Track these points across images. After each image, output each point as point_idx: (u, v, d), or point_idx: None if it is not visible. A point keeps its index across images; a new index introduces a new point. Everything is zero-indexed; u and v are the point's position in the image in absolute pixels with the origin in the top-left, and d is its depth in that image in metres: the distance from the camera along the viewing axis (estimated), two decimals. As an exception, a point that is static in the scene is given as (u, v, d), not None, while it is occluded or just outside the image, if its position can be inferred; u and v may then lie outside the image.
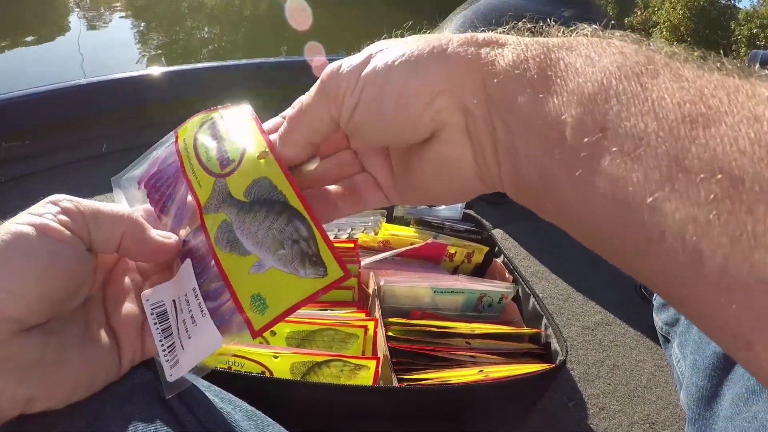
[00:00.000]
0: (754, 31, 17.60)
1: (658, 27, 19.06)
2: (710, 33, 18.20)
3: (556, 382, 1.01)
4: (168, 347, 0.37)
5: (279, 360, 0.70)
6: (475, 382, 0.73)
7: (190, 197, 0.41)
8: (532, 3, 1.68)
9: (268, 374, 0.70)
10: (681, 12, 18.49)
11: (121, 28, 10.95)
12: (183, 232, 0.42)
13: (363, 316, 0.81)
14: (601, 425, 0.96)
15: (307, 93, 0.38)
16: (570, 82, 0.29)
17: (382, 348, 0.76)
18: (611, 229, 0.27)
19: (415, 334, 0.81)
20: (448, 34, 0.35)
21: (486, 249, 1.11)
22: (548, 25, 0.36)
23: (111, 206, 0.37)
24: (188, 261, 0.39)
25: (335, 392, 0.67)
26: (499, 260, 1.08)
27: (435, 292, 0.91)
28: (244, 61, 2.13)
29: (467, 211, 1.18)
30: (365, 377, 0.71)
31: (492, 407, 0.77)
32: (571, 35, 0.34)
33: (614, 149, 0.26)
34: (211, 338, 0.36)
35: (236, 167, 0.39)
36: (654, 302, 1.20)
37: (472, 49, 0.33)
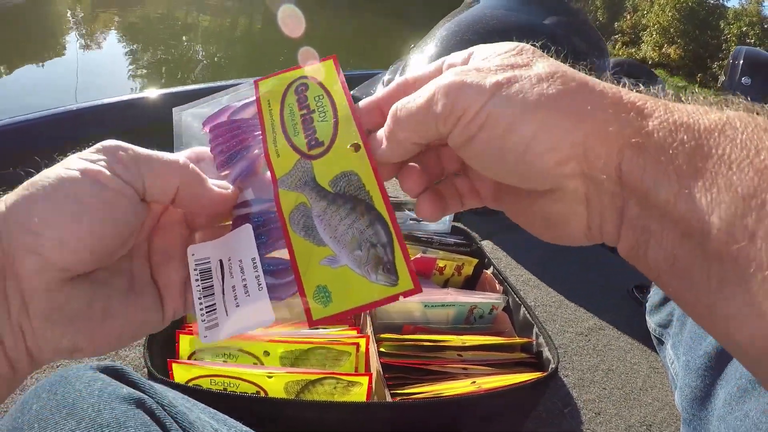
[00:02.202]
0: (744, 29, 17.70)
1: (648, 30, 19.17)
2: (700, 33, 18.30)
3: (551, 389, 1.02)
4: (207, 307, 0.36)
5: (273, 380, 0.72)
6: (468, 393, 0.74)
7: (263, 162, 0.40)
8: (514, 13, 1.71)
9: (263, 394, 0.72)
10: (670, 14, 18.61)
11: (116, 49, 11.01)
12: (244, 194, 0.40)
13: (355, 333, 0.82)
14: (597, 430, 0.97)
15: (419, 94, 0.35)
16: (721, 178, 0.26)
17: (375, 364, 0.77)
18: (762, 344, 0.25)
19: (408, 349, 0.82)
20: (589, 80, 0.32)
21: (475, 261, 1.12)
22: (692, 91, 0.34)
23: (166, 155, 0.36)
24: (249, 227, 0.37)
25: (329, 409, 0.68)
26: (488, 271, 1.09)
27: (426, 306, 0.92)
28: (237, 81, 2.15)
29: (455, 224, 1.19)
30: (358, 393, 0.72)
31: (486, 418, 0.78)
32: (721, 109, 0.30)
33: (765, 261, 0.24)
34: (263, 314, 0.35)
35: (325, 152, 0.38)
36: (647, 304, 1.21)
37: (614, 114, 0.30)
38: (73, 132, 1.66)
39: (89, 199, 0.31)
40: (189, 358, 0.78)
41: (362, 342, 0.78)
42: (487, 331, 0.95)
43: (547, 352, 0.87)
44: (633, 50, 19.28)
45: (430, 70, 0.40)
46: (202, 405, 0.52)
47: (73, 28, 12.67)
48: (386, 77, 1.79)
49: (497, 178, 0.35)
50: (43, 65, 8.61)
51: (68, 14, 14.06)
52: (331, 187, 0.37)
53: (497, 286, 1.05)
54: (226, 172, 0.40)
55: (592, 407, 1.01)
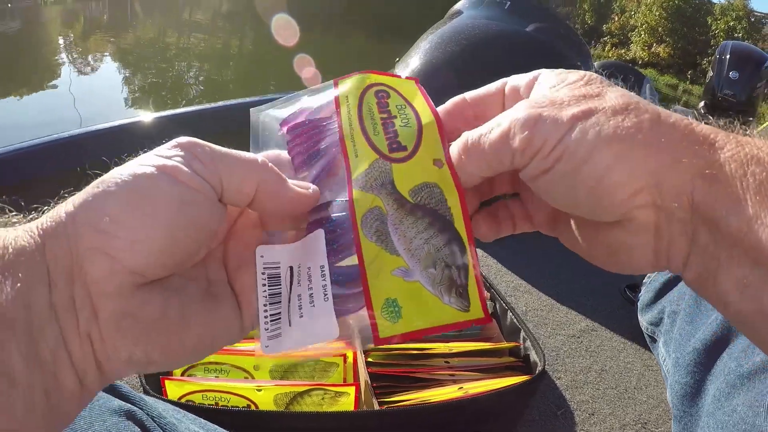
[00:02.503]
0: (731, 23, 17.77)
1: (636, 30, 19.26)
2: (688, 31, 18.38)
3: (544, 392, 1.02)
4: (272, 315, 0.33)
5: (263, 393, 0.72)
6: (455, 399, 0.75)
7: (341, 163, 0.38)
8: (496, 22, 1.73)
9: (253, 407, 0.73)
10: (657, 13, 18.68)
11: (109, 73, 11.07)
12: (324, 195, 0.38)
13: (342, 344, 0.83)
14: (592, 430, 0.97)
15: (492, 128, 0.34)
16: None
17: (363, 374, 0.78)
18: None
19: (395, 358, 0.83)
20: (661, 111, 0.32)
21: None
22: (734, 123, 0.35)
23: (244, 154, 0.34)
24: (321, 232, 0.35)
25: (317, 419, 0.69)
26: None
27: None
28: (231, 102, 2.17)
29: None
30: (346, 403, 0.73)
31: (474, 423, 0.79)
32: None
33: None
34: (326, 328, 0.32)
35: (407, 157, 0.37)
36: (638, 303, 1.22)
37: (686, 146, 0.31)
38: (66, 160, 1.67)
39: (165, 197, 0.29)
40: (182, 374, 0.79)
41: (349, 353, 0.79)
42: (475, 338, 0.96)
43: (534, 355, 0.88)
44: (623, 51, 19.34)
45: (491, 92, 0.39)
46: (192, 416, 0.52)
47: (66, 54, 12.75)
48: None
49: (566, 209, 0.35)
50: (35, 92, 8.65)
51: (60, 40, 14.15)
52: (411, 196, 0.35)
53: (485, 293, 1.05)
54: (305, 173, 0.38)
55: (586, 408, 1.02)
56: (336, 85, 0.42)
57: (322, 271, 0.34)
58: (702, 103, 2.93)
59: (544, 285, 1.37)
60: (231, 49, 15.19)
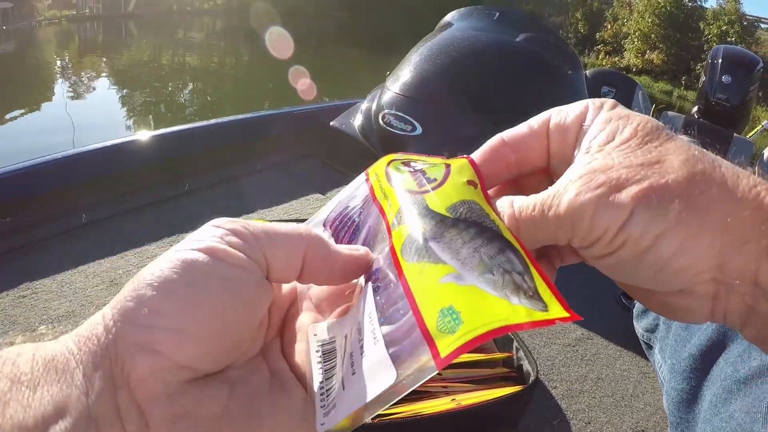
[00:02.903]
0: (724, 28, 17.89)
1: (630, 37, 19.38)
2: (681, 36, 18.50)
3: (540, 401, 1.02)
4: (327, 390, 0.29)
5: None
6: (447, 411, 0.75)
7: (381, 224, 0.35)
8: (484, 33, 1.74)
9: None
10: (650, 20, 18.82)
11: (104, 92, 11.13)
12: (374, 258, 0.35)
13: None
14: (589, 439, 0.97)
15: (544, 203, 0.32)
16: None
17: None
18: None
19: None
20: (729, 181, 0.30)
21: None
22: None
23: (285, 225, 0.32)
24: (369, 286, 0.32)
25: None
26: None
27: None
28: (219, 120, 2.18)
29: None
30: (339, 418, 0.73)
31: (469, 434, 0.78)
32: None
33: None
34: (381, 371, 0.27)
35: (438, 186, 0.35)
36: (633, 310, 1.22)
37: (753, 225, 0.29)
38: (64, 179, 1.68)
39: (207, 278, 0.27)
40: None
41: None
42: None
43: (527, 365, 0.88)
44: (616, 59, 19.47)
45: (533, 131, 0.37)
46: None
47: (60, 74, 12.81)
48: (364, 105, 1.82)
49: (627, 283, 0.34)
50: (29, 112, 8.68)
51: (56, 61, 14.22)
52: (450, 212, 0.32)
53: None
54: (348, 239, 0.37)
55: (583, 417, 1.02)
56: (366, 172, 0.41)
57: (371, 318, 0.30)
58: (695, 108, 2.93)
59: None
60: (225, 68, 15.27)
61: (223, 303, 0.27)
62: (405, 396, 0.71)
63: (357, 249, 0.34)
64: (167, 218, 1.65)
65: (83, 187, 1.69)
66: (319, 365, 0.31)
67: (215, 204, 1.76)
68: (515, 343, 0.93)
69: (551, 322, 0.27)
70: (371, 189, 0.38)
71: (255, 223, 0.31)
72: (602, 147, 0.32)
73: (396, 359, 0.27)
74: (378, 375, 0.27)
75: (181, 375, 0.26)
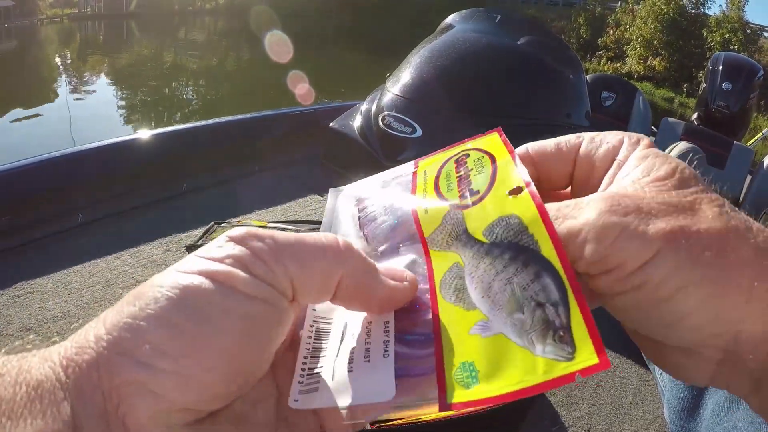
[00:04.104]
0: (726, 35, 17.93)
1: (632, 43, 19.42)
2: (683, 44, 18.53)
3: (539, 408, 1.01)
4: (310, 369, 0.29)
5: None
6: (447, 417, 0.74)
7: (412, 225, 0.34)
8: (486, 35, 1.73)
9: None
10: (653, 26, 18.86)
11: (105, 91, 11.15)
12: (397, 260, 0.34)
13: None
14: (588, 447, 0.97)
15: (563, 213, 0.29)
16: None
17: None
18: None
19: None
20: (761, 241, 0.27)
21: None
22: None
23: (319, 237, 0.28)
24: None
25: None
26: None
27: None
28: (217, 120, 2.17)
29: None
30: (336, 424, 0.71)
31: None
32: None
33: None
34: (381, 385, 0.27)
35: (479, 200, 0.32)
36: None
37: None
38: (61, 178, 1.67)
39: (221, 316, 0.23)
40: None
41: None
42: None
43: (528, 371, 0.87)
44: (618, 65, 19.50)
45: (561, 152, 0.34)
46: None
47: (62, 73, 12.83)
48: (364, 107, 1.81)
49: (628, 325, 0.30)
50: (30, 110, 8.69)
51: (57, 59, 14.25)
52: (486, 236, 0.30)
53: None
54: (376, 246, 0.34)
55: (582, 424, 1.01)
56: (416, 165, 0.39)
57: (386, 327, 0.29)
58: (695, 115, 2.93)
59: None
60: (226, 68, 15.30)
61: (239, 344, 0.24)
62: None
63: (402, 278, 0.30)
64: (164, 218, 1.65)
65: (80, 187, 1.69)
66: (309, 340, 0.30)
67: (213, 205, 1.75)
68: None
69: (571, 377, 0.24)
70: (414, 184, 0.37)
71: (280, 236, 0.26)
72: (636, 181, 0.30)
73: (400, 383, 0.27)
74: (376, 387, 0.27)
75: (184, 418, 0.23)
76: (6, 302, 1.24)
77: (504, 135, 0.38)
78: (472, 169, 0.35)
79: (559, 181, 0.35)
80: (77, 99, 10.31)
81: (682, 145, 1.75)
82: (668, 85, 17.88)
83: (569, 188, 0.36)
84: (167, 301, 0.23)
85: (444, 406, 0.26)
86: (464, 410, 0.26)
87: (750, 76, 2.82)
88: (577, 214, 0.28)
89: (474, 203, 0.32)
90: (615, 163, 0.32)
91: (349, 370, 0.28)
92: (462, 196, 0.33)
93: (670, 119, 2.49)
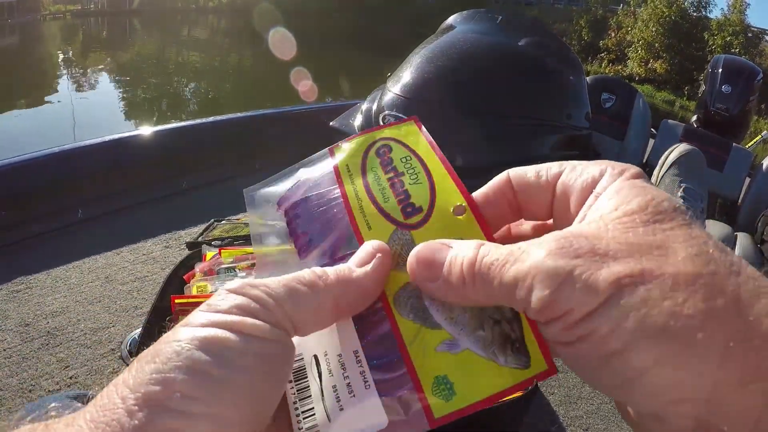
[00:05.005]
0: (728, 39, 17.93)
1: (633, 46, 19.41)
2: (685, 46, 18.53)
3: (538, 408, 1.01)
4: (304, 413, 0.30)
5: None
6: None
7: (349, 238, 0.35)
8: (487, 36, 1.73)
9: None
10: (654, 29, 18.86)
11: (107, 88, 11.15)
12: None
13: None
14: (585, 447, 0.97)
15: (512, 257, 0.27)
16: None
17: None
18: None
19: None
20: (743, 291, 0.23)
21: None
22: None
23: (303, 277, 0.29)
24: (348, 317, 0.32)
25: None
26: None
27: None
28: (218, 118, 2.17)
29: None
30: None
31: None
32: None
33: None
34: (373, 416, 0.29)
35: (425, 219, 0.33)
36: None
37: (763, 358, 0.22)
38: (61, 174, 1.67)
39: (240, 357, 0.25)
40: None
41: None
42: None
43: (526, 371, 0.87)
44: (619, 67, 19.50)
45: (540, 183, 0.32)
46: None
47: (64, 69, 12.82)
48: (364, 106, 1.81)
49: (591, 385, 0.27)
50: (33, 106, 8.69)
51: (59, 55, 14.24)
52: None
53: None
54: (311, 255, 0.35)
55: (580, 423, 1.01)
56: (332, 153, 0.39)
57: (357, 357, 0.30)
58: (695, 117, 2.93)
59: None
60: (229, 65, 15.29)
61: (260, 382, 0.25)
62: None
63: (371, 255, 0.31)
64: (164, 216, 1.65)
65: (80, 183, 1.69)
66: (291, 385, 0.31)
67: (213, 202, 1.75)
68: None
69: (530, 381, 0.28)
70: (341, 185, 0.36)
71: (272, 283, 0.28)
72: (602, 217, 0.27)
73: (388, 408, 0.29)
74: (369, 418, 0.29)
75: None
76: (4, 297, 1.24)
77: (423, 127, 0.38)
78: (403, 174, 0.35)
79: (539, 212, 0.33)
80: (80, 96, 10.31)
81: (681, 147, 1.75)
82: (669, 87, 17.88)
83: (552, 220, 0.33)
84: (189, 352, 0.24)
85: (433, 422, 0.28)
86: (448, 421, 0.28)
87: (750, 79, 2.82)
88: (526, 257, 0.26)
89: (420, 223, 0.33)
90: (592, 196, 0.29)
91: (340, 409, 0.29)
92: (405, 213, 0.34)
93: (670, 121, 2.49)
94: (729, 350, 0.22)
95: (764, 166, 2.10)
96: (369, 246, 0.32)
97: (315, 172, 0.38)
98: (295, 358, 0.31)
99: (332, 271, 0.30)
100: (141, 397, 0.23)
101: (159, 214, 1.67)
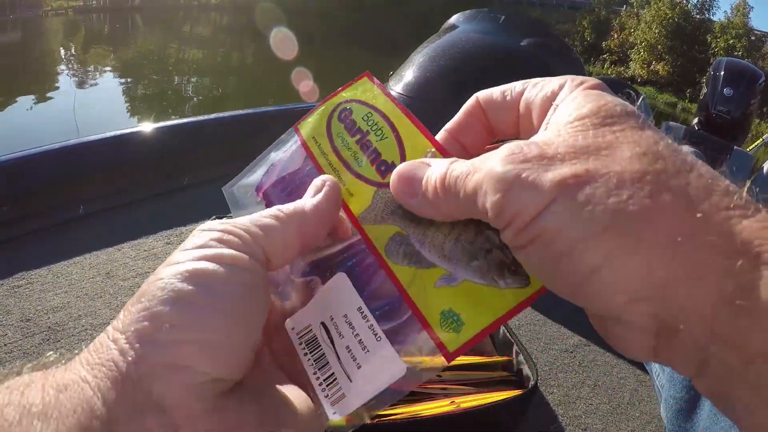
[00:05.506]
0: (731, 41, 17.93)
1: (636, 48, 19.40)
2: (687, 49, 18.52)
3: (536, 407, 1.02)
4: (326, 380, 0.31)
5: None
6: (446, 413, 0.74)
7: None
8: (489, 36, 1.74)
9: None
10: (657, 31, 18.85)
11: (110, 84, 11.15)
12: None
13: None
14: (584, 446, 0.97)
15: (472, 169, 0.28)
16: None
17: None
18: None
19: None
20: (692, 187, 0.23)
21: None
22: None
23: (272, 212, 0.31)
24: (343, 275, 0.33)
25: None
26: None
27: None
28: (221, 115, 2.17)
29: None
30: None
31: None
32: None
33: None
34: (391, 366, 0.29)
35: None
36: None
37: (714, 255, 0.22)
38: (63, 169, 1.67)
39: (222, 284, 0.26)
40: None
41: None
42: (469, 352, 0.95)
43: (527, 370, 0.87)
44: (622, 69, 19.50)
45: (505, 100, 0.33)
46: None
47: (66, 65, 12.82)
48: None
49: (552, 290, 0.28)
50: (35, 102, 8.69)
51: (61, 51, 14.23)
52: None
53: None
54: None
55: (579, 423, 1.01)
56: (297, 131, 0.40)
57: (362, 313, 0.31)
58: (696, 120, 2.93)
59: (537, 300, 1.35)
60: (231, 62, 15.28)
61: (243, 306, 0.26)
62: (404, 397, 0.71)
63: (322, 184, 0.34)
64: (165, 212, 1.65)
65: (82, 178, 1.69)
66: (307, 357, 0.32)
67: (214, 199, 1.75)
68: (515, 347, 0.92)
69: (534, 298, 0.29)
70: (313, 158, 0.37)
71: (242, 219, 0.30)
72: (555, 123, 0.28)
73: (402, 355, 0.30)
74: (386, 369, 0.29)
75: (216, 389, 0.25)
76: (5, 292, 1.24)
77: (376, 79, 0.39)
78: (369, 133, 0.36)
79: (509, 130, 0.34)
80: (81, 92, 10.30)
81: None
82: (671, 89, 17.88)
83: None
84: (173, 286, 0.25)
85: (448, 356, 0.29)
86: (464, 352, 0.29)
87: (751, 82, 2.82)
88: (482, 167, 0.27)
89: None
90: (552, 108, 0.30)
91: (358, 367, 0.30)
92: (380, 172, 0.35)
93: (672, 123, 2.50)
94: (678, 245, 0.22)
95: (765, 170, 2.10)
96: (318, 180, 0.34)
97: (286, 153, 0.39)
98: (305, 330, 0.32)
99: (290, 205, 0.32)
100: (132, 334, 0.24)
101: (160, 211, 1.67)
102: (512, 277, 0.29)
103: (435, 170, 0.30)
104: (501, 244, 0.29)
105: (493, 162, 0.26)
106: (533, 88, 0.32)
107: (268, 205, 0.37)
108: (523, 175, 0.25)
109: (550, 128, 0.28)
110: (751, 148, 3.24)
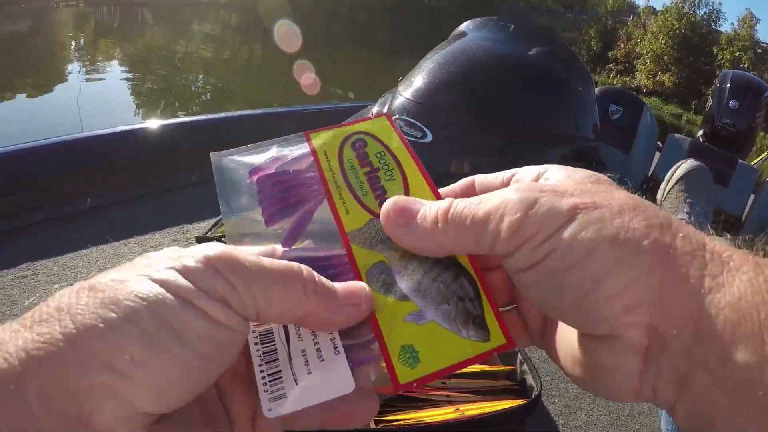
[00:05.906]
0: (737, 54, 17.91)
1: (642, 58, 19.39)
2: (694, 60, 18.51)
3: (538, 417, 1.02)
4: (271, 375, 0.30)
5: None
6: (450, 420, 0.75)
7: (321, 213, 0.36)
8: (499, 44, 1.74)
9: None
10: (663, 41, 18.84)
11: (117, 80, 11.15)
12: (301, 245, 0.36)
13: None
14: (584, 457, 0.97)
15: (479, 203, 0.31)
16: None
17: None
18: None
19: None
20: (673, 220, 0.29)
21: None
22: None
23: (290, 269, 0.29)
24: None
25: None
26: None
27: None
28: (230, 114, 2.18)
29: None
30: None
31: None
32: None
33: None
34: (341, 381, 0.30)
35: None
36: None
37: (699, 263, 0.26)
38: (77, 160, 1.68)
39: (195, 337, 0.25)
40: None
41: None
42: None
43: (530, 379, 0.88)
44: (627, 79, 19.48)
45: (497, 182, 0.36)
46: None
47: (75, 56, 12.84)
48: (375, 109, 1.82)
49: (551, 313, 0.31)
50: (42, 93, 8.70)
51: (71, 43, 14.25)
52: None
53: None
54: (278, 225, 0.36)
55: (579, 434, 1.01)
56: (308, 138, 0.40)
57: None
58: (701, 132, 2.93)
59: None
60: (239, 60, 15.29)
61: (206, 363, 0.25)
62: (409, 403, 0.71)
63: (359, 303, 0.31)
64: (173, 208, 1.66)
65: (90, 172, 1.70)
66: (257, 347, 0.31)
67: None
68: (519, 357, 0.93)
69: (489, 353, 0.31)
70: (320, 170, 0.38)
71: (249, 260, 0.27)
72: (556, 181, 0.33)
73: (355, 374, 0.30)
74: (336, 382, 0.30)
75: (144, 421, 0.24)
76: (11, 282, 1.25)
77: (395, 124, 0.41)
78: (379, 170, 0.38)
79: None
80: (89, 84, 10.31)
81: (688, 163, 1.75)
82: (677, 101, 17.86)
83: None
84: (146, 314, 0.24)
85: (397, 386, 0.30)
86: (412, 387, 0.30)
87: (757, 95, 2.82)
88: (495, 198, 0.30)
89: None
90: (542, 180, 0.34)
91: (308, 372, 0.30)
92: (380, 206, 0.35)
93: (677, 135, 2.50)
94: (671, 255, 0.27)
95: None
96: (363, 289, 0.32)
97: (292, 152, 0.40)
98: (262, 323, 0.31)
99: (320, 288, 0.30)
100: (86, 345, 0.23)
101: (168, 207, 1.67)
102: (475, 329, 0.31)
103: (435, 204, 0.33)
104: (474, 295, 0.33)
105: (508, 192, 0.30)
106: (522, 172, 0.36)
107: (259, 193, 0.37)
108: (543, 200, 0.29)
109: (551, 183, 0.32)
110: (756, 161, 3.24)
